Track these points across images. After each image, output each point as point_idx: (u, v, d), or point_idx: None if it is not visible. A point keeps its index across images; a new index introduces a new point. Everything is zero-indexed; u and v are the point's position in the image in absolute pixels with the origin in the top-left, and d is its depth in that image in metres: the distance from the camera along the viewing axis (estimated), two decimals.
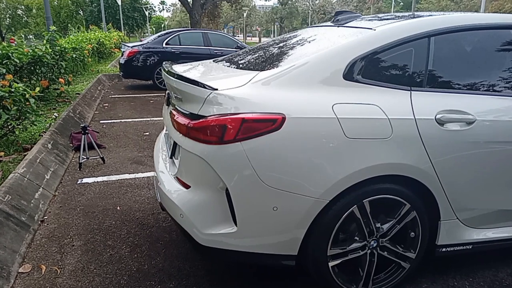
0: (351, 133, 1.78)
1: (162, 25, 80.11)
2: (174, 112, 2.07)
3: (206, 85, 1.80)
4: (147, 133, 5.51)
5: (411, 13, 2.45)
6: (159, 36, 10.00)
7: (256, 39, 54.65)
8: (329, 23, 2.64)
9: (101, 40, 14.82)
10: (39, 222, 2.84)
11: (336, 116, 1.78)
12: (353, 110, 1.81)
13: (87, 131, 4.04)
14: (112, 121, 6.26)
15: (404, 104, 1.90)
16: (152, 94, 8.93)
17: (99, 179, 3.74)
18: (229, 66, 2.32)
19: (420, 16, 2.20)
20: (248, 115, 1.72)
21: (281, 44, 2.49)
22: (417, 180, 1.92)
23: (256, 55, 2.40)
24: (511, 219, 2.20)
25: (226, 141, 1.73)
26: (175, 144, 2.20)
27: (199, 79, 1.88)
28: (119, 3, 29.40)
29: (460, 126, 1.94)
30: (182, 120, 1.91)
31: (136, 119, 6.40)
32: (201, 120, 1.78)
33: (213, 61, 2.75)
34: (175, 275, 2.27)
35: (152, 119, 6.45)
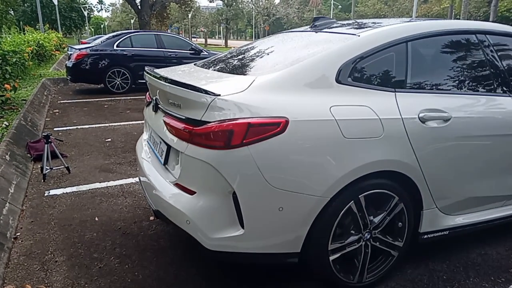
0: (348, 134, 1.89)
1: (102, 26, 76.69)
2: (169, 119, 2.05)
3: (209, 91, 1.81)
4: (109, 139, 5.31)
5: (384, 20, 2.64)
6: (108, 38, 9.62)
7: (201, 40, 54.15)
8: (307, 28, 2.75)
9: (40, 42, 13.90)
10: (13, 240, 2.65)
11: (334, 118, 1.88)
12: (349, 112, 1.93)
13: (50, 140, 3.82)
14: (68, 128, 5.94)
15: (391, 104, 2.05)
16: (106, 99, 8.57)
17: (68, 190, 3.56)
18: (219, 71, 2.34)
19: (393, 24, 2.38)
20: (253, 119, 1.77)
21: (266, 48, 2.55)
22: (404, 174, 2.08)
23: (245, 59, 2.44)
24: (479, 205, 2.45)
25: (233, 146, 1.76)
26: (168, 150, 2.18)
27: (198, 85, 1.88)
28: (55, 2, 27.73)
29: (438, 123, 2.13)
30: (182, 126, 1.90)
31: (94, 125, 6.13)
32: (205, 126, 1.80)
33: (195, 65, 2.75)
34: (173, 282, 2.25)
35: (110, 124, 6.22)
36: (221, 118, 1.79)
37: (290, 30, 2.94)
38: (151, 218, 3.01)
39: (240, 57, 2.54)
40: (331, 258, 2.01)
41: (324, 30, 2.54)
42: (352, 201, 1.97)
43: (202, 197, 1.86)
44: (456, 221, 2.38)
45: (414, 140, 2.05)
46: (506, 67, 2.44)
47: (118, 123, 6.31)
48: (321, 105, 1.90)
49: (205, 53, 10.06)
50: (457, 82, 2.30)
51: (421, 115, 2.08)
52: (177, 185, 2.00)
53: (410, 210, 2.17)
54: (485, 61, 2.38)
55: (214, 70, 2.39)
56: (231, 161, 1.77)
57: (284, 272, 2.31)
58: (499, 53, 2.42)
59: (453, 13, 32.23)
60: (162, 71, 2.48)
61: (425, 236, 2.31)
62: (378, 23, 2.45)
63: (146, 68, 2.58)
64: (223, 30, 54.78)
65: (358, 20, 2.75)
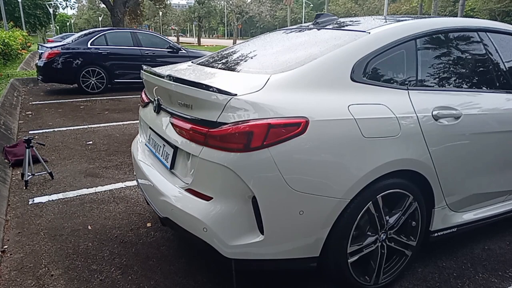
0: (367, 133, 1.84)
1: (68, 24, 74.15)
2: (178, 121, 1.94)
3: (224, 90, 1.71)
4: (90, 142, 5.07)
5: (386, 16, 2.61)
6: (81, 36, 9.25)
7: (173, 39, 53.23)
8: (310, 25, 2.69)
9: (6, 41, 13.21)
10: (0, 253, 2.45)
11: (353, 117, 1.82)
12: (367, 111, 1.88)
13: (31, 144, 3.59)
14: (44, 131, 5.64)
15: (406, 102, 2.02)
16: (80, 99, 8.22)
17: (54, 197, 3.34)
18: (226, 69, 2.23)
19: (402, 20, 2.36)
20: (274, 120, 1.69)
21: (270, 45, 2.47)
22: (418, 172, 2.05)
23: (250, 56, 2.35)
24: (483, 201, 2.47)
25: (253, 148, 1.67)
26: (175, 154, 2.06)
27: (211, 84, 1.78)
28: None
29: (450, 121, 2.12)
30: (196, 128, 1.80)
31: (71, 128, 5.85)
32: (223, 128, 1.70)
33: (193, 63, 2.64)
34: None
35: (89, 126, 5.95)
36: (239, 119, 1.69)
37: (290, 27, 2.86)
38: (148, 224, 2.87)
39: (244, 54, 2.44)
40: (350, 260, 1.96)
41: (330, 27, 2.48)
42: (371, 202, 1.93)
43: (220, 202, 1.75)
44: (463, 217, 2.39)
45: (429, 138, 2.03)
46: None
47: (98, 125, 6.05)
48: (339, 104, 1.84)
49: (184, 51, 9.85)
50: (465, 79, 2.31)
51: (434, 112, 2.06)
52: (189, 190, 1.88)
53: (423, 208, 2.16)
54: (490, 58, 2.40)
55: (220, 68, 2.28)
56: (251, 165, 1.68)
57: (294, 277, 2.24)
58: (505, 51, 2.45)
59: (422, 12, 33.22)
60: (164, 70, 2.36)
61: (436, 234, 2.30)
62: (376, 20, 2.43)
63: (144, 66, 2.44)
64: (195, 28, 54.08)
65: (360, 18, 2.71)
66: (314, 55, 2.00)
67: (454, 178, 2.22)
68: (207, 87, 1.76)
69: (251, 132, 1.66)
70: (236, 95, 1.71)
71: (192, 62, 2.71)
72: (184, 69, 2.45)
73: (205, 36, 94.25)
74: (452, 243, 2.63)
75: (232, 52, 2.61)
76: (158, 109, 2.20)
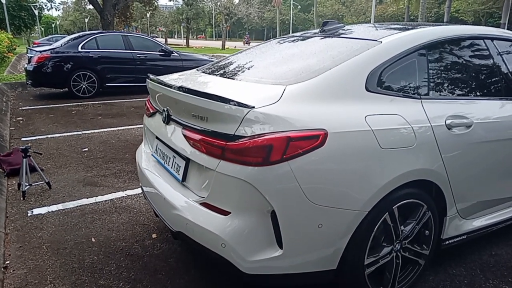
0: (384, 144, 1.83)
1: (53, 25, 73.03)
2: (192, 133, 1.89)
3: (242, 103, 1.68)
4: (86, 149, 4.97)
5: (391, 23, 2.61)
6: (71, 40, 9.09)
7: (161, 40, 52.87)
8: (316, 32, 2.67)
9: None
10: (3, 269, 2.37)
11: (370, 128, 1.81)
12: (383, 121, 1.87)
13: (28, 154, 3.49)
14: (37, 137, 5.51)
15: (420, 112, 2.01)
16: (72, 104, 8.07)
17: (53, 208, 3.26)
18: (236, 79, 2.20)
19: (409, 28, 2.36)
20: (293, 133, 1.66)
21: (278, 53, 2.45)
22: (432, 182, 2.05)
23: (260, 65, 2.33)
24: (491, 207, 2.48)
25: (273, 162, 1.64)
26: (187, 166, 2.02)
27: (227, 96, 1.74)
28: (3, 1, 26.00)
29: (462, 130, 2.13)
30: (212, 141, 1.76)
31: (65, 134, 5.73)
32: (241, 141, 1.66)
33: (198, 71, 2.60)
34: None
35: (83, 132, 5.84)
36: (257, 132, 1.66)
37: (297, 34, 2.83)
38: (154, 235, 2.81)
39: (253, 63, 2.41)
40: (366, 272, 1.95)
41: (339, 35, 2.46)
42: (387, 213, 1.92)
43: (238, 217, 1.72)
44: (473, 224, 2.40)
45: (443, 148, 2.03)
46: None
47: (92, 131, 5.94)
48: (356, 114, 1.83)
49: (176, 54, 9.76)
50: (476, 87, 2.32)
51: (447, 122, 2.06)
52: (205, 204, 1.84)
53: (436, 217, 2.16)
54: (500, 66, 2.42)
55: (230, 78, 2.24)
56: (270, 178, 1.65)
57: None
58: None
59: (409, 14, 33.68)
60: (172, 80, 2.32)
61: (447, 242, 2.31)
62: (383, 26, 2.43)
63: (150, 75, 2.39)
64: (183, 29, 53.73)
65: (368, 25, 2.71)
66: (328, 65, 1.98)
67: (466, 186, 2.23)
68: (224, 100, 1.72)
69: (271, 146, 1.63)
70: (254, 107, 1.68)
71: (197, 70, 2.67)
72: (193, 79, 2.40)
73: (192, 37, 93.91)
74: (460, 249, 2.63)
75: (240, 60, 2.57)
76: (168, 120, 2.15)
